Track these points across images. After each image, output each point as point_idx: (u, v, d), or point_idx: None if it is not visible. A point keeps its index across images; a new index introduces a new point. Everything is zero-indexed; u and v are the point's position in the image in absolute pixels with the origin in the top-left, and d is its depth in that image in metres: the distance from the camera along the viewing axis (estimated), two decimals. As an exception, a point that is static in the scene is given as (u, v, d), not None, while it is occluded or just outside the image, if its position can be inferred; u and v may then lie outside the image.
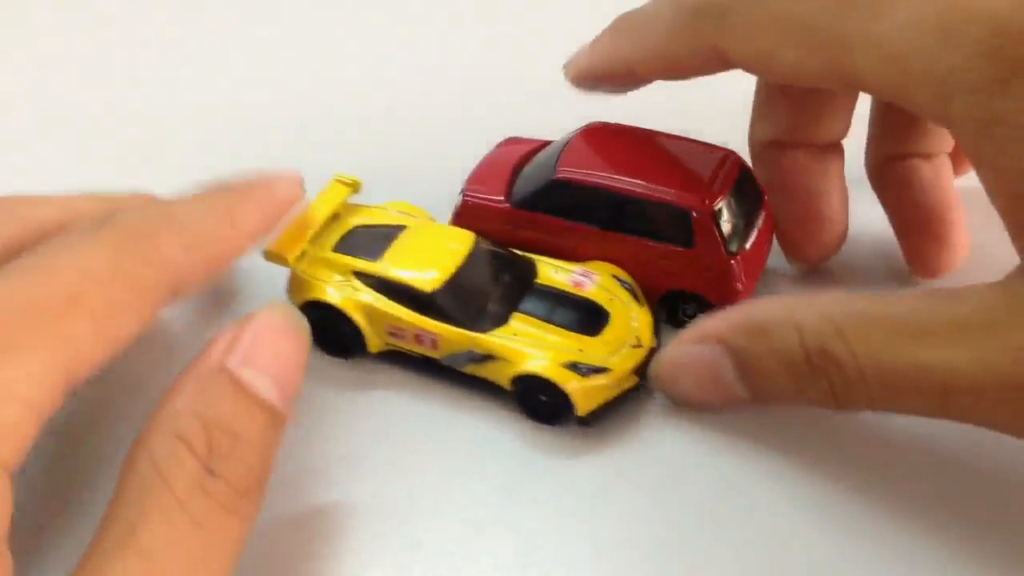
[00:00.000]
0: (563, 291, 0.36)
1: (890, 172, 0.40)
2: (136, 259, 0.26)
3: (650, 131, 0.40)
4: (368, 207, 0.39)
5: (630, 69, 0.38)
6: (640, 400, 0.35)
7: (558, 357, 0.34)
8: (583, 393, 0.33)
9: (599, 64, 0.39)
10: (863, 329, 0.29)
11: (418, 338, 0.35)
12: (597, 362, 0.34)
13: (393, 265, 0.35)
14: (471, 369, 0.35)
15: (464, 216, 0.40)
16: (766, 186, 0.40)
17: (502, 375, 0.34)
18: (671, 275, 0.38)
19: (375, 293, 0.35)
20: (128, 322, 0.26)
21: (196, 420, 0.25)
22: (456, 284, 0.35)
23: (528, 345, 0.34)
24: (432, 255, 0.35)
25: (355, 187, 0.39)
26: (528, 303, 0.35)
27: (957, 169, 0.41)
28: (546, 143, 0.42)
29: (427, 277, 0.35)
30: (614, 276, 0.37)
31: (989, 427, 0.29)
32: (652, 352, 0.35)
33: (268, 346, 0.28)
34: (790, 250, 0.41)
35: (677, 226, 0.36)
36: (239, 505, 0.26)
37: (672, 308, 0.39)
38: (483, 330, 0.34)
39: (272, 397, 0.27)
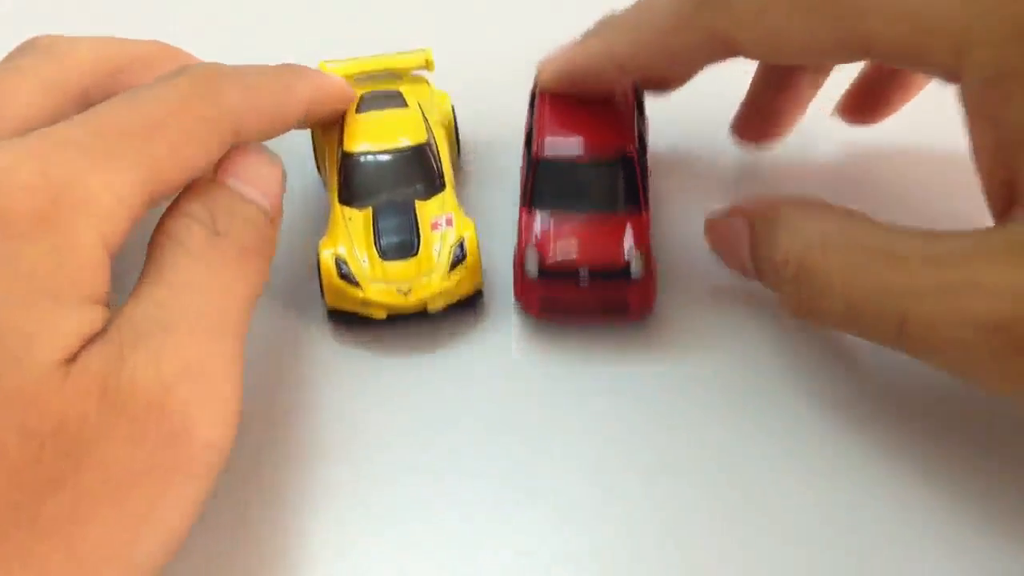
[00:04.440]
0: (414, 219, 0.36)
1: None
2: (205, 100, 0.31)
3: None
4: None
5: (619, 66, 0.37)
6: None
7: (339, 250, 0.35)
8: (328, 284, 0.35)
9: (583, 62, 0.38)
10: (847, 249, 0.30)
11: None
12: (357, 273, 0.35)
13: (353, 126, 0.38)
14: None
15: None
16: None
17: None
18: None
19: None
20: (197, 153, 0.30)
21: (200, 205, 0.31)
22: (367, 161, 0.37)
23: (342, 228, 0.36)
24: (383, 132, 0.38)
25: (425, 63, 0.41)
26: (385, 209, 0.36)
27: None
28: None
29: (357, 146, 0.37)
30: (463, 236, 0.36)
31: (937, 364, 0.29)
32: (424, 314, 0.36)
33: (251, 167, 0.33)
34: (741, 131, 0.43)
35: None
36: (246, 259, 0.31)
37: None
38: (343, 201, 0.36)
39: (260, 199, 0.32)
